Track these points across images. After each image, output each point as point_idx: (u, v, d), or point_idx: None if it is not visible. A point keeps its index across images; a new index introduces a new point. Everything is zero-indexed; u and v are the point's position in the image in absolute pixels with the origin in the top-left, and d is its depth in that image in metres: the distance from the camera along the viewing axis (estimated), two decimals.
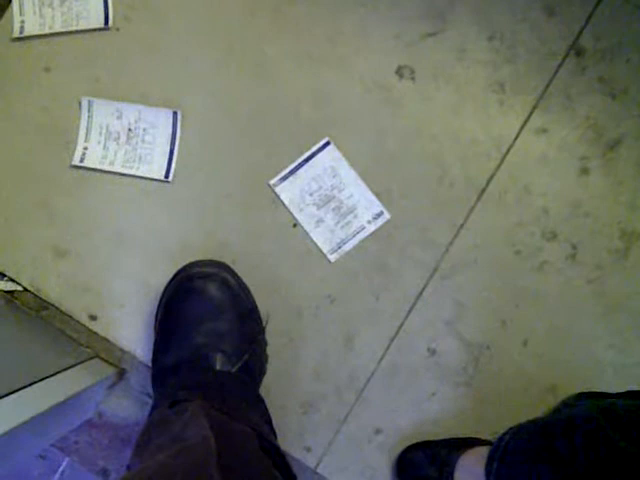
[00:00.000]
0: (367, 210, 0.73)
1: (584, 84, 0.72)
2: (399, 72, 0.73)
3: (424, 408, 0.72)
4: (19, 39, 0.73)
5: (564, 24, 0.72)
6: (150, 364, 0.69)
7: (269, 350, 0.69)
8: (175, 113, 0.73)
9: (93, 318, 0.72)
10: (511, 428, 0.62)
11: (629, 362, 0.71)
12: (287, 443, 0.72)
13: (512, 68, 0.72)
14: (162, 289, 0.69)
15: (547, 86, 0.72)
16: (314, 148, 0.73)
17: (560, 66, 0.72)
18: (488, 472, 0.61)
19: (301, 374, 0.72)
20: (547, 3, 0.72)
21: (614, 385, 0.71)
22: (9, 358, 0.65)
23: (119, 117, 0.72)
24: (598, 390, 0.69)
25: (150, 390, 0.70)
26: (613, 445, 0.50)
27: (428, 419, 0.72)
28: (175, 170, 0.72)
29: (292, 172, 0.73)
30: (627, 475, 0.49)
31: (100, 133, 0.72)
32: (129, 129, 0.72)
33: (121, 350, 0.72)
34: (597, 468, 0.51)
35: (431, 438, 0.71)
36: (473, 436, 0.71)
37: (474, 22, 0.73)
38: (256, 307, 0.70)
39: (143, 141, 0.72)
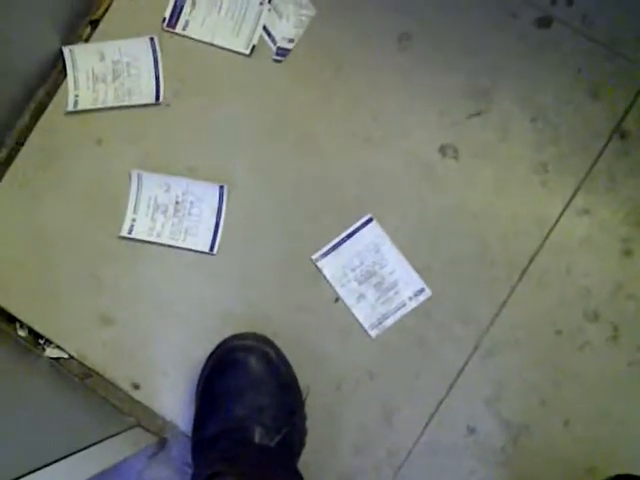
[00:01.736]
0: (408, 286, 0.73)
1: (628, 166, 0.72)
2: (442, 151, 0.74)
3: None
4: (73, 112, 0.75)
5: (608, 107, 0.73)
6: (191, 434, 0.70)
7: (308, 424, 0.70)
8: (222, 187, 0.74)
9: (136, 387, 0.73)
10: None
11: None
12: None
13: (555, 149, 0.73)
14: (204, 360, 0.70)
15: (590, 168, 0.72)
16: (357, 224, 0.74)
17: (604, 148, 0.72)
18: None
19: (339, 449, 0.73)
20: (591, 85, 0.73)
21: None
22: (53, 425, 0.66)
23: (167, 190, 0.74)
24: (637, 474, 0.68)
25: (190, 460, 0.71)
26: None
27: None
28: (219, 242, 0.74)
29: (334, 247, 0.74)
30: None
31: (148, 205, 0.74)
32: (177, 202, 0.74)
33: (163, 419, 0.73)
34: None
35: None
36: None
37: (518, 103, 0.74)
38: (296, 381, 0.71)
39: (190, 214, 0.74)
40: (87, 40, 0.76)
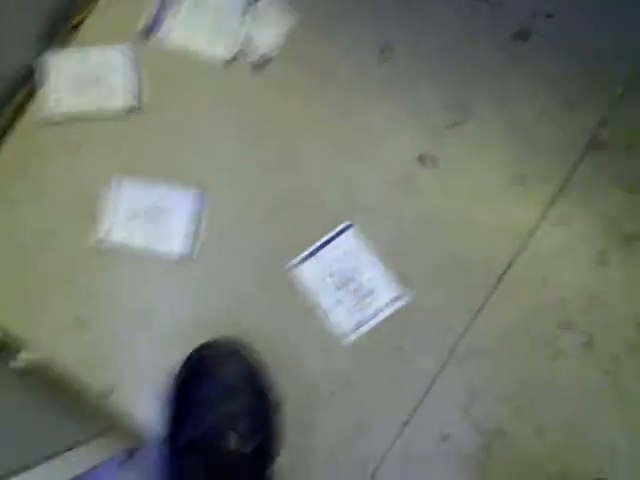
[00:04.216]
0: (385, 293, 0.74)
1: (604, 178, 0.73)
2: (421, 160, 0.74)
3: None
4: (51, 119, 0.74)
5: (584, 118, 0.74)
6: (163, 442, 0.69)
7: (283, 431, 0.70)
8: (200, 194, 0.74)
9: (108, 392, 0.73)
10: None
11: None
12: None
13: (533, 160, 0.74)
14: (179, 367, 0.70)
15: (567, 179, 0.73)
16: (335, 231, 0.74)
17: (580, 160, 0.73)
18: None
19: (314, 456, 0.73)
20: (567, 97, 0.74)
21: (627, 475, 0.71)
22: (23, 432, 0.66)
23: (146, 196, 0.74)
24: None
25: (162, 468, 0.70)
26: None
27: None
28: (197, 249, 0.74)
29: (313, 254, 0.74)
30: None
31: (126, 210, 0.74)
32: (154, 208, 0.74)
33: (135, 426, 0.73)
34: None
35: None
36: None
37: (496, 114, 0.74)
38: (271, 388, 0.71)
39: (168, 220, 0.74)
40: (68, 46, 0.76)
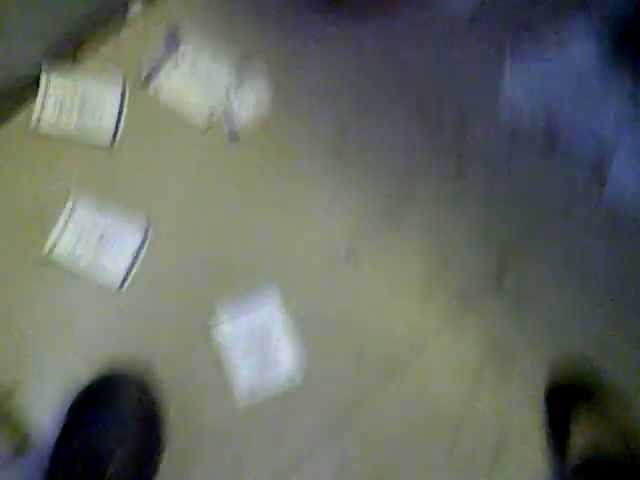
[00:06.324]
0: (290, 364, 0.80)
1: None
2: (348, 258, 0.84)
3: None
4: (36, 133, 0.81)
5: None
6: (48, 456, 0.72)
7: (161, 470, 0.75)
8: (147, 230, 0.81)
9: (10, 393, 0.76)
10: None
11: None
12: None
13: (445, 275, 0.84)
14: (82, 385, 0.75)
15: (465, 298, 0.83)
16: (259, 299, 0.81)
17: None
18: None
19: None
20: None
21: None
22: None
23: (95, 224, 0.80)
24: None
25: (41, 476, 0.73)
26: None
27: None
28: (129, 281, 0.80)
29: (233, 316, 0.80)
30: None
31: (74, 232, 0.79)
32: (101, 235, 0.80)
33: (27, 431, 0.76)
34: None
35: None
36: None
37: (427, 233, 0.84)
38: (161, 429, 0.75)
39: (111, 248, 0.80)
40: (67, 70, 0.83)
